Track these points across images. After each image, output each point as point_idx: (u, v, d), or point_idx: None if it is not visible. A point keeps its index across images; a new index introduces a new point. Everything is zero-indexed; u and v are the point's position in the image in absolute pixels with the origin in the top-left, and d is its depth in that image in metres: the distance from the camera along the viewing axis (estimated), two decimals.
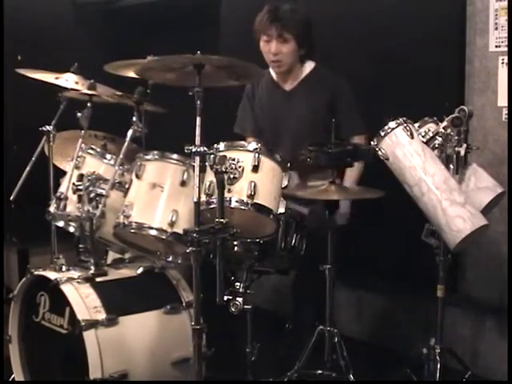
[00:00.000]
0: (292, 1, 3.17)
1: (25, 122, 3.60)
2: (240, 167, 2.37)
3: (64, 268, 2.67)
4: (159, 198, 2.52)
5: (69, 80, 3.01)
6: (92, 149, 2.83)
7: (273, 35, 3.06)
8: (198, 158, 2.23)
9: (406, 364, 2.81)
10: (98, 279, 2.63)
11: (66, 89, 2.98)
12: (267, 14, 3.06)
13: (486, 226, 2.41)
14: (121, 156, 2.69)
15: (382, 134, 2.52)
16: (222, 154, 2.34)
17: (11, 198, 2.97)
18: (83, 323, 2.43)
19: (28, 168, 2.98)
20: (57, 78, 3.00)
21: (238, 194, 2.37)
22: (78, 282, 2.56)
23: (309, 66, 3.21)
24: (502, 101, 2.97)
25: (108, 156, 2.80)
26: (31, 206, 2.96)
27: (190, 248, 2.19)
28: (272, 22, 3.04)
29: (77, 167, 2.79)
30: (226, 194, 2.31)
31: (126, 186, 2.61)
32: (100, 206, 2.61)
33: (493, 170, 2.76)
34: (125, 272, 2.76)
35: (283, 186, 2.52)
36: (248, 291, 2.54)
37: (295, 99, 3.20)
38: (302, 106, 3.17)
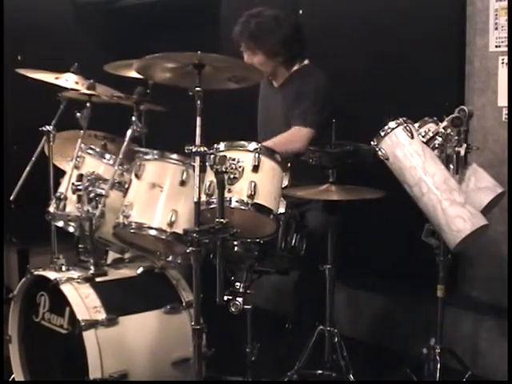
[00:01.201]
0: (278, 7, 3.21)
1: (25, 122, 3.60)
2: (240, 167, 2.37)
3: (64, 268, 2.67)
4: (159, 197, 2.52)
5: (69, 80, 3.01)
6: (91, 149, 2.83)
7: (243, 48, 3.15)
8: (198, 158, 2.23)
9: (406, 364, 2.81)
10: (98, 279, 2.63)
11: (65, 89, 2.98)
12: (237, 29, 3.15)
13: (486, 225, 2.41)
14: (120, 156, 2.69)
15: (382, 134, 2.52)
16: (222, 154, 2.34)
17: (11, 198, 2.97)
18: (83, 323, 2.43)
19: (28, 168, 2.98)
20: (57, 78, 3.00)
21: (238, 193, 2.36)
22: (78, 282, 2.56)
23: (297, 64, 3.23)
24: (502, 101, 2.97)
25: (107, 156, 2.80)
26: (31, 206, 2.96)
27: (190, 248, 2.19)
28: (241, 37, 3.14)
29: (76, 167, 2.79)
30: (226, 194, 2.31)
31: (126, 186, 2.61)
32: (99, 205, 2.61)
33: (493, 170, 2.75)
34: (125, 272, 2.76)
35: (283, 185, 2.52)
36: (248, 291, 2.54)
37: (279, 96, 3.24)
38: (282, 103, 3.21)
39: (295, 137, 3.05)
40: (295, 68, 3.22)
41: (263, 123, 3.35)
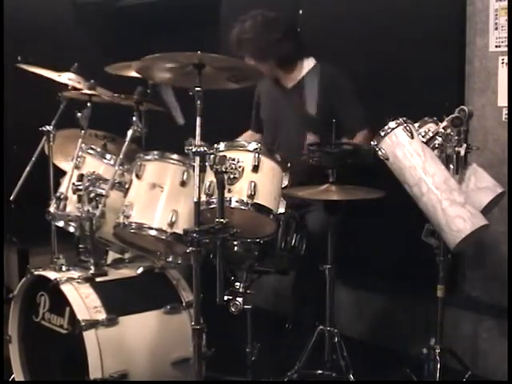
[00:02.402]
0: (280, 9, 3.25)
1: (25, 122, 3.60)
2: (240, 167, 2.37)
3: (64, 268, 2.67)
4: (159, 198, 2.52)
5: (70, 79, 3.00)
6: (92, 149, 2.83)
7: (240, 56, 3.18)
8: (198, 158, 2.23)
9: (405, 364, 2.81)
10: (98, 279, 2.63)
11: (66, 89, 2.98)
12: (231, 40, 3.20)
13: (486, 225, 2.41)
14: (121, 156, 2.69)
15: (382, 134, 2.52)
16: (221, 153, 2.34)
17: (11, 198, 2.97)
18: (83, 323, 2.43)
19: (28, 168, 2.98)
20: (59, 76, 2.99)
21: (238, 193, 2.37)
22: (78, 282, 2.56)
23: (308, 64, 3.23)
24: (502, 101, 2.97)
25: (108, 156, 2.80)
26: (31, 206, 2.96)
27: (190, 248, 2.19)
28: (234, 47, 3.19)
29: (77, 167, 2.79)
30: (226, 194, 2.31)
31: (126, 186, 2.61)
32: (100, 206, 2.61)
33: (493, 170, 2.75)
34: (125, 272, 2.76)
35: (283, 185, 2.52)
36: (248, 291, 2.54)
37: (295, 97, 3.22)
38: (300, 105, 3.19)
39: (365, 141, 3.03)
40: (308, 69, 3.22)
41: (272, 124, 3.34)
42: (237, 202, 2.37)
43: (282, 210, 2.53)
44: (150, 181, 2.55)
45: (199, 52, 2.27)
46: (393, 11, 3.26)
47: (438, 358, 2.63)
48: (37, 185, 2.84)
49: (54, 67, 3.03)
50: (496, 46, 2.97)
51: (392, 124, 2.51)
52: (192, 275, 2.24)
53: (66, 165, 3.04)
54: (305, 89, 3.14)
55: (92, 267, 2.67)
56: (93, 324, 2.45)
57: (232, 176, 2.36)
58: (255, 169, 2.40)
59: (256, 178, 2.39)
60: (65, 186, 2.79)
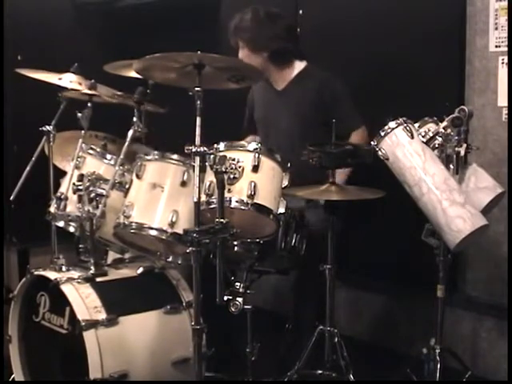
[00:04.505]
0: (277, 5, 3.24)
1: (25, 122, 3.60)
2: (240, 167, 2.37)
3: (64, 268, 2.67)
4: (159, 198, 2.52)
5: (71, 81, 3.00)
6: (92, 149, 2.83)
7: (233, 43, 3.22)
8: (198, 158, 2.23)
9: (405, 364, 2.81)
10: (98, 279, 2.63)
11: (66, 89, 2.98)
12: (230, 26, 3.22)
13: (486, 226, 2.41)
14: (121, 156, 2.69)
15: (382, 134, 2.52)
16: (221, 153, 2.34)
17: (11, 198, 2.97)
18: (83, 323, 2.43)
19: (28, 168, 2.98)
20: (60, 79, 2.99)
21: (238, 193, 2.37)
22: (78, 282, 2.56)
23: (299, 66, 3.23)
24: (502, 101, 2.97)
25: (108, 156, 2.80)
26: (31, 206, 2.96)
27: (190, 248, 2.19)
28: (229, 32, 3.22)
29: (77, 167, 2.79)
30: (226, 194, 2.31)
31: (127, 186, 2.61)
32: (100, 206, 2.61)
33: (493, 170, 2.76)
34: (125, 272, 2.76)
35: (283, 185, 2.52)
36: (248, 291, 2.54)
37: (286, 99, 3.23)
38: (292, 106, 3.19)
39: (360, 140, 3.06)
40: (298, 70, 3.22)
41: (264, 125, 3.34)
42: (237, 202, 2.36)
43: (282, 210, 2.53)
44: (151, 181, 2.55)
45: (199, 52, 2.27)
46: (393, 11, 3.27)
47: (437, 358, 2.63)
48: (37, 185, 2.83)
49: (53, 67, 3.03)
50: (496, 46, 2.97)
51: (392, 124, 2.51)
52: (192, 275, 2.24)
53: (66, 165, 3.04)
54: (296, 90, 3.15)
55: (92, 267, 2.67)
56: (93, 324, 2.45)
57: (232, 176, 2.36)
58: (255, 169, 2.40)
59: (256, 178, 2.39)
60: (65, 186, 2.79)
